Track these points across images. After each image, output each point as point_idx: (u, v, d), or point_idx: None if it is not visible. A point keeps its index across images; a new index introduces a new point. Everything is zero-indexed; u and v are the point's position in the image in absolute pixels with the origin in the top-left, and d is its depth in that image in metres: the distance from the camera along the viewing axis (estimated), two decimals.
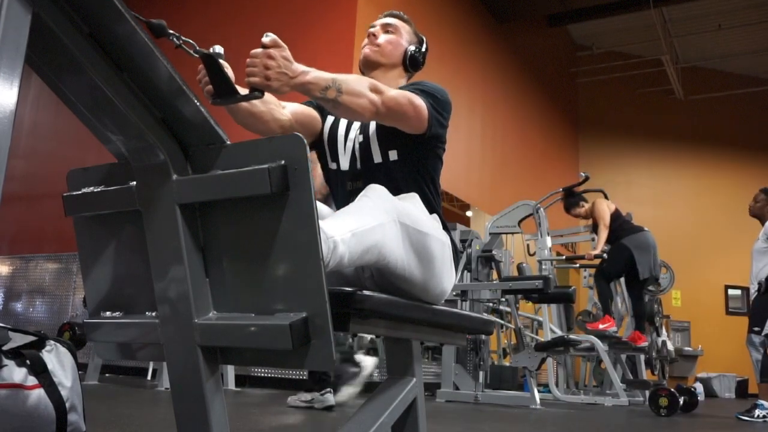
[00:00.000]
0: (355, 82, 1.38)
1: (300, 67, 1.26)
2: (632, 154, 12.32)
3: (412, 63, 1.76)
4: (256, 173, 0.91)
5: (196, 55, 1.08)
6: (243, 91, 1.22)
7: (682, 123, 12.23)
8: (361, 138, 1.66)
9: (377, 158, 1.62)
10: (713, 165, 12.13)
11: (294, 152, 0.91)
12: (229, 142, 0.96)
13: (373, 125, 1.64)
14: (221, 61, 1.15)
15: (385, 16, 1.81)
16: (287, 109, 1.64)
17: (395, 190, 1.52)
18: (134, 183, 0.99)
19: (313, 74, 1.29)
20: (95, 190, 1.05)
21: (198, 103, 0.92)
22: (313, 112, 1.73)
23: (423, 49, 1.79)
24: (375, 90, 1.42)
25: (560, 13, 10.39)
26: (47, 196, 6.66)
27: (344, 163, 1.68)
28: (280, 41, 1.24)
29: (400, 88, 1.59)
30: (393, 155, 1.61)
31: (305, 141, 0.92)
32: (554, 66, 11.67)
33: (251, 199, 0.94)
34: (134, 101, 0.89)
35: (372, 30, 1.76)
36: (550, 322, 5.92)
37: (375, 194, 1.28)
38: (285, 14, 6.56)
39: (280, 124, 1.60)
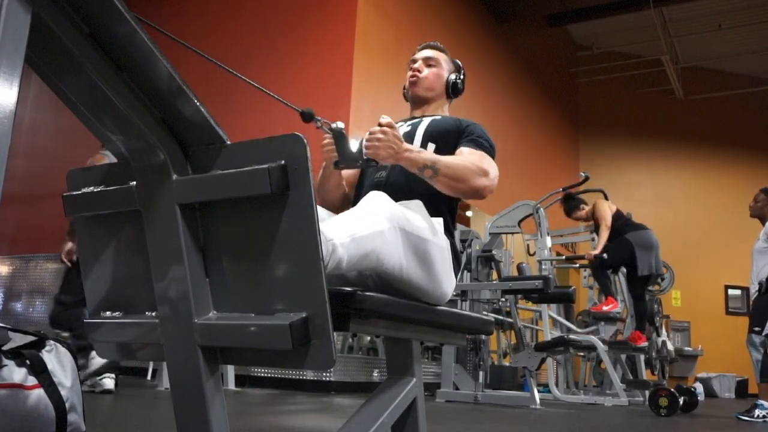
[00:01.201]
0: (461, 168, 1.58)
1: (406, 146, 1.53)
2: (632, 154, 12.32)
3: (454, 91, 1.93)
4: (256, 173, 0.91)
5: (330, 132, 1.53)
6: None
7: (682, 123, 12.24)
8: (408, 129, 1.81)
9: (415, 144, 1.74)
10: (713, 165, 12.13)
11: (294, 152, 0.91)
12: (229, 142, 0.96)
13: (420, 133, 1.78)
14: (344, 132, 1.53)
15: (424, 48, 1.96)
16: (344, 180, 1.86)
17: (411, 182, 1.66)
18: (134, 183, 0.99)
19: (415, 154, 1.54)
20: (95, 190, 1.05)
21: (198, 103, 0.92)
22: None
23: (462, 77, 1.95)
24: (484, 174, 1.60)
25: (560, 13, 10.39)
26: (47, 196, 6.65)
27: None
28: (392, 122, 1.52)
29: (459, 125, 1.77)
30: (431, 147, 1.74)
31: (305, 141, 0.92)
32: (554, 66, 11.67)
33: (251, 199, 0.94)
34: (134, 101, 0.89)
35: (415, 66, 1.91)
36: (549, 323, 5.93)
37: (376, 200, 1.30)
38: (285, 17, 6.56)
39: (345, 196, 1.84)
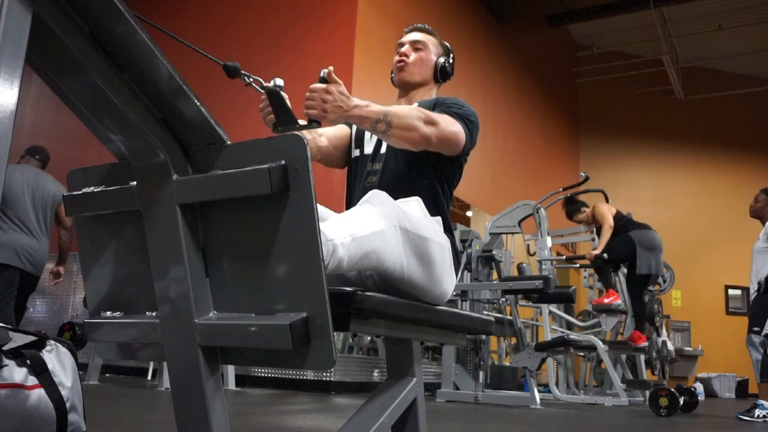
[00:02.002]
0: (408, 116, 1.50)
1: (354, 101, 1.41)
2: (632, 154, 12.32)
3: (443, 74, 1.86)
4: (256, 173, 0.91)
5: (263, 91, 1.29)
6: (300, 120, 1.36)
7: (682, 123, 12.24)
8: None
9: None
10: (713, 165, 12.13)
11: (294, 152, 0.91)
12: (229, 142, 0.96)
13: None
14: (282, 93, 1.32)
15: (411, 30, 1.89)
16: (324, 136, 1.77)
17: (410, 179, 1.63)
18: (134, 183, 0.99)
19: (366, 108, 1.43)
20: (95, 190, 1.05)
21: (198, 103, 0.92)
22: (345, 129, 1.84)
23: (451, 60, 1.89)
24: (430, 122, 1.54)
25: (560, 13, 10.39)
26: None
27: (368, 149, 1.77)
28: (336, 77, 1.39)
29: (436, 102, 1.70)
30: None
31: (306, 141, 0.92)
32: (554, 66, 11.67)
33: (251, 199, 0.94)
34: (134, 101, 0.89)
35: (402, 49, 1.84)
36: (549, 319, 5.93)
37: (376, 199, 1.29)
38: (286, 15, 6.56)
39: (321, 151, 1.75)
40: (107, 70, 0.85)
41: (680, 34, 11.06)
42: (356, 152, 1.79)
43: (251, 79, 1.23)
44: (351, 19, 6.19)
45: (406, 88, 1.84)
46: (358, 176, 1.76)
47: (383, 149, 1.72)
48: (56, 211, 4.08)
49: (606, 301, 5.62)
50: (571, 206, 5.99)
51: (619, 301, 5.67)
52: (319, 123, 1.39)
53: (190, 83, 0.92)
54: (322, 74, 1.39)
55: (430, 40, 1.86)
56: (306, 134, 1.62)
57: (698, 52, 11.70)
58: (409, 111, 1.53)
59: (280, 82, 1.32)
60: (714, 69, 12.20)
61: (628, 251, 5.47)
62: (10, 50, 0.67)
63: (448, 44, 1.91)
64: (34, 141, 7.70)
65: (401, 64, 1.82)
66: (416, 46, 1.84)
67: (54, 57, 0.82)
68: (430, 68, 1.84)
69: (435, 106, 1.70)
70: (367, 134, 1.78)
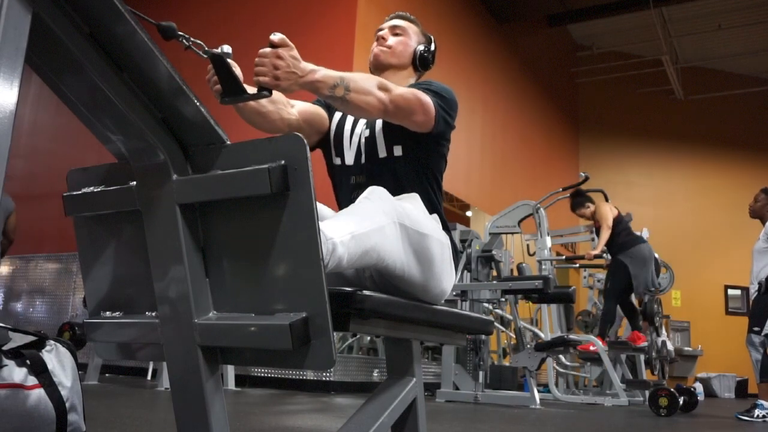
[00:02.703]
0: (363, 80, 1.41)
1: (308, 66, 1.29)
2: (632, 154, 12.32)
3: (422, 62, 1.79)
4: (256, 173, 0.91)
5: (205, 56, 1.09)
6: (251, 89, 1.22)
7: (682, 123, 12.24)
8: (367, 133, 1.68)
9: (382, 153, 1.64)
10: (713, 165, 12.13)
11: (294, 152, 0.91)
12: (229, 142, 0.96)
13: (379, 121, 1.66)
14: (229, 60, 1.15)
15: (392, 18, 1.83)
16: (295, 108, 1.67)
17: (398, 186, 1.56)
18: (134, 183, 0.99)
19: (322, 73, 1.32)
20: (95, 190, 1.05)
21: (198, 103, 0.92)
22: (321, 110, 1.75)
23: (432, 49, 1.82)
24: (383, 88, 1.44)
25: (560, 13, 10.39)
26: (47, 196, 6.65)
27: (349, 158, 1.70)
28: (288, 41, 1.26)
29: (409, 86, 1.60)
30: (398, 150, 1.63)
31: (306, 141, 0.92)
32: (554, 66, 11.66)
33: (251, 199, 0.94)
34: (134, 101, 0.89)
35: (381, 33, 1.78)
36: (549, 323, 5.92)
37: (375, 195, 1.29)
38: (285, 14, 6.56)
39: (288, 122, 1.62)
40: (107, 70, 0.85)
41: (680, 34, 11.06)
42: (337, 160, 1.72)
43: (190, 42, 1.05)
44: (351, 17, 6.19)
45: (379, 69, 1.75)
46: (343, 188, 1.70)
47: (363, 159, 1.66)
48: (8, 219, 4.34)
49: (592, 348, 5.50)
50: (578, 199, 5.98)
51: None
52: (271, 92, 1.26)
53: (190, 83, 0.92)
54: (272, 38, 1.25)
55: (411, 28, 1.80)
56: (266, 103, 1.55)
57: (698, 52, 11.70)
58: (366, 76, 1.44)
59: (227, 49, 1.16)
60: (714, 69, 12.20)
61: (624, 277, 5.46)
62: (10, 50, 0.67)
63: (431, 36, 1.85)
64: (34, 141, 7.71)
65: (379, 45, 1.75)
66: (395, 31, 1.78)
67: (54, 57, 0.82)
68: (408, 54, 1.76)
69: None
70: (346, 139, 1.70)
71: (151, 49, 0.85)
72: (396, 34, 1.77)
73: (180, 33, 1.01)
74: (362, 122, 1.71)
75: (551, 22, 10.80)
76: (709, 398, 9.23)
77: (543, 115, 10.99)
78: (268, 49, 1.25)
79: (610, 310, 5.65)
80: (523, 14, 9.88)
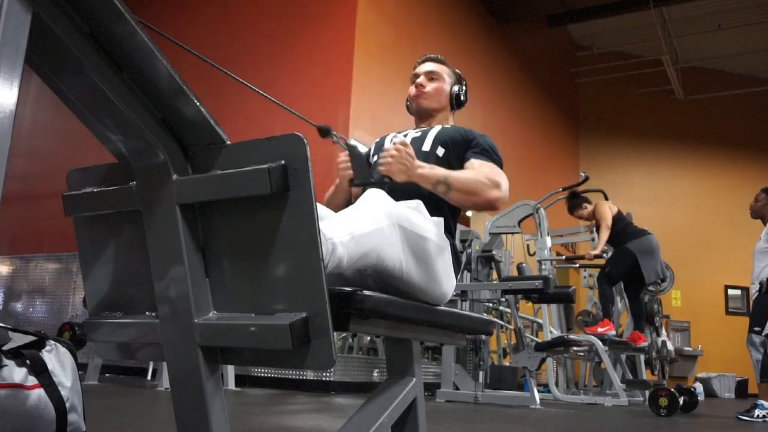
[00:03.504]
0: (472, 181, 1.60)
1: (418, 163, 1.58)
2: (632, 154, 12.32)
3: (458, 102, 1.98)
4: (256, 173, 0.91)
5: (346, 148, 1.56)
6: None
7: (682, 123, 12.24)
8: (418, 134, 1.85)
9: (426, 147, 1.78)
10: (713, 165, 12.13)
11: (294, 152, 0.91)
12: (229, 142, 0.96)
13: (435, 133, 1.82)
14: (361, 149, 1.58)
15: (425, 61, 1.99)
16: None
17: (407, 185, 1.66)
18: (134, 183, 0.99)
19: (427, 170, 1.58)
20: (95, 190, 1.05)
21: (198, 103, 0.92)
22: None
23: (464, 87, 1.99)
24: (496, 186, 1.62)
25: (560, 13, 10.39)
26: (47, 196, 6.66)
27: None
28: (406, 142, 1.59)
29: (464, 134, 1.79)
30: (440, 150, 1.77)
31: (306, 141, 0.92)
32: (554, 66, 11.66)
33: (251, 199, 0.94)
34: (134, 101, 0.89)
35: (418, 80, 1.94)
36: (549, 323, 5.92)
37: (375, 197, 1.29)
38: (285, 14, 6.56)
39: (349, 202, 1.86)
40: (107, 70, 0.85)
41: (680, 34, 11.06)
42: (375, 158, 1.85)
43: (338, 138, 1.49)
44: (351, 19, 6.19)
45: (424, 116, 1.94)
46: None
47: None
48: None
49: (599, 330, 5.51)
50: (574, 201, 5.98)
51: (613, 332, 5.56)
52: (390, 179, 1.56)
53: (190, 83, 0.92)
54: (395, 140, 1.58)
55: (443, 70, 1.96)
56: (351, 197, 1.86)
57: (698, 52, 11.70)
58: (474, 177, 1.63)
59: (357, 144, 1.58)
60: (714, 69, 12.20)
61: (629, 264, 5.44)
62: (10, 50, 0.67)
63: (459, 72, 2.01)
64: (34, 141, 7.71)
65: (418, 93, 1.92)
66: (431, 76, 1.94)
67: (54, 57, 0.82)
68: (446, 96, 1.94)
69: (467, 142, 1.77)
70: (388, 138, 1.90)
71: (151, 49, 0.85)
72: (432, 79, 1.94)
73: (334, 133, 1.49)
74: (413, 133, 1.88)
75: (551, 22, 10.80)
76: (709, 398, 9.23)
77: (543, 115, 10.99)
78: (394, 150, 1.55)
79: (606, 293, 5.65)
80: (523, 14, 9.87)
